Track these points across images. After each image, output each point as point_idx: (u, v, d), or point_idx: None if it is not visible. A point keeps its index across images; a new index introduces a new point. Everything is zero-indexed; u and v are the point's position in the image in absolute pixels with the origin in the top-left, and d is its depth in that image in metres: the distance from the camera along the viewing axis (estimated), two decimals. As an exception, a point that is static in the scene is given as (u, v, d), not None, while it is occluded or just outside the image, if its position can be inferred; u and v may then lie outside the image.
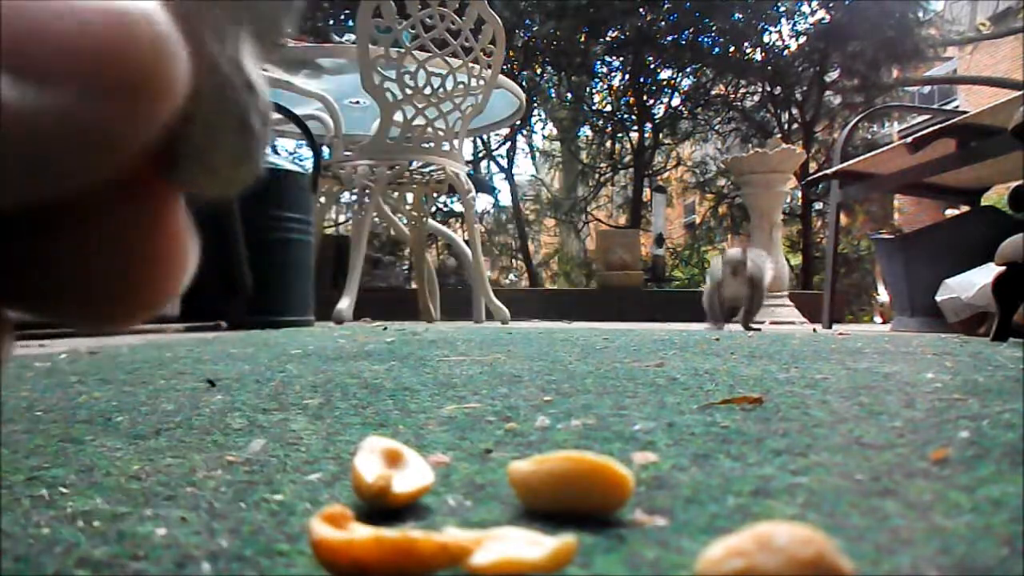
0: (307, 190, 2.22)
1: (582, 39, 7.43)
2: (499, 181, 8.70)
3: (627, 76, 7.87)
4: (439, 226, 3.64)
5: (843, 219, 7.22)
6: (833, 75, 7.78)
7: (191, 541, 0.26)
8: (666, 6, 7.43)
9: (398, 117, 2.57)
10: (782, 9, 7.64)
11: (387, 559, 0.21)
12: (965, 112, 2.66)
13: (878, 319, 6.73)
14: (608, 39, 7.62)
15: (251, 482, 0.34)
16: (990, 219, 2.45)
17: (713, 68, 7.67)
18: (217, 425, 0.49)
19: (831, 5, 7.64)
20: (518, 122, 6.25)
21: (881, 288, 6.23)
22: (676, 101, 8.10)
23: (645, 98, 7.87)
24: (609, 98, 8.25)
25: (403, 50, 2.45)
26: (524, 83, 6.89)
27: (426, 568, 0.22)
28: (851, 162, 3.00)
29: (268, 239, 2.04)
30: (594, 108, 8.40)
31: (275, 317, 2.04)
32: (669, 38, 7.43)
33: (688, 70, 7.81)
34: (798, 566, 0.18)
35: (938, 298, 2.31)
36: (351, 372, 0.80)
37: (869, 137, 7.63)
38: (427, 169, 2.80)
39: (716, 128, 8.25)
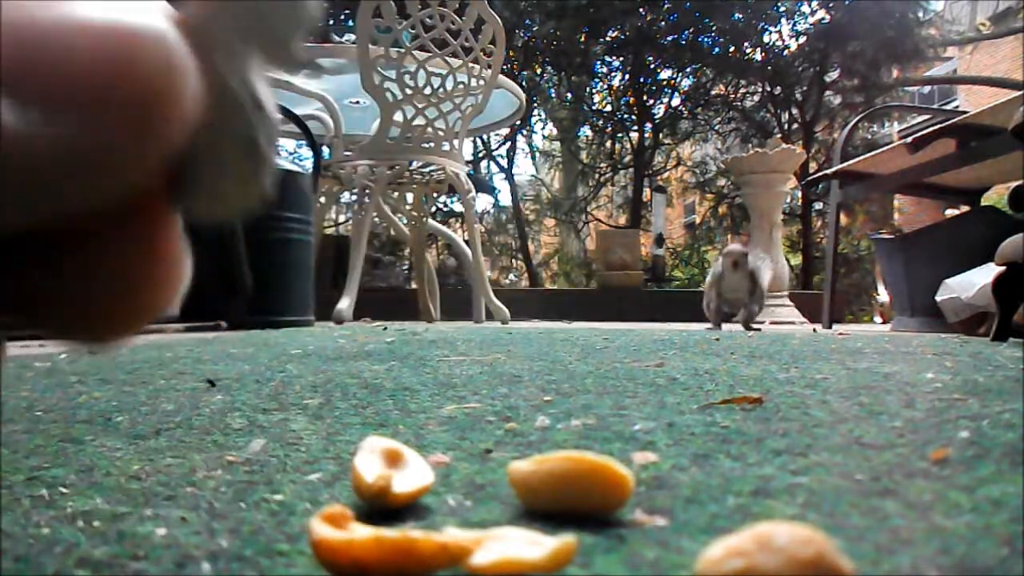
0: (307, 190, 2.22)
1: (582, 39, 7.42)
2: (499, 181, 8.71)
3: (627, 76, 7.87)
4: (439, 226, 3.64)
5: (843, 219, 7.22)
6: (833, 75, 7.78)
7: (191, 541, 0.26)
8: (666, 6, 7.42)
9: (398, 117, 2.57)
10: (782, 9, 7.64)
11: (387, 559, 0.21)
12: (965, 112, 2.66)
13: (878, 319, 6.74)
14: (608, 39, 7.62)
15: (251, 482, 0.34)
16: (990, 219, 2.45)
17: (713, 68, 7.66)
18: (217, 425, 0.49)
19: (831, 5, 7.64)
20: (518, 122, 6.25)
21: (881, 288, 6.23)
22: (676, 101, 8.11)
23: (645, 98, 7.87)
24: (609, 98, 8.25)
25: (403, 50, 2.45)
26: (524, 83, 6.89)
27: (426, 568, 0.22)
28: (851, 162, 3.00)
29: (268, 239, 2.04)
30: (594, 108, 8.40)
31: (275, 317, 2.03)
32: (669, 38, 7.43)
33: (688, 70, 7.81)
34: (798, 566, 0.18)
35: (938, 298, 2.31)
36: (351, 372, 0.80)
37: (869, 137, 7.62)
38: (427, 169, 2.80)
39: (716, 128, 8.24)
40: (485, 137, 7.77)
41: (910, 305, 2.72)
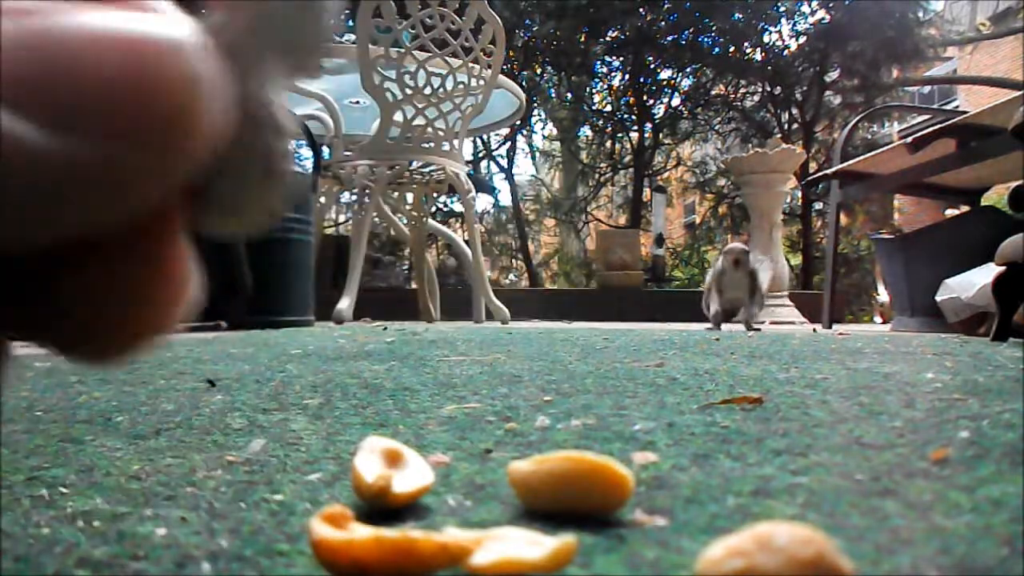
0: (307, 190, 2.22)
1: (582, 39, 7.43)
2: (499, 181, 8.72)
3: (627, 76, 7.87)
4: (439, 226, 3.64)
5: (843, 219, 7.22)
6: (833, 75, 7.79)
7: (191, 541, 0.26)
8: (666, 6, 7.43)
9: (398, 117, 2.57)
10: (782, 9, 7.64)
11: (387, 559, 0.21)
12: (965, 112, 2.66)
13: (878, 319, 6.73)
14: (608, 39, 7.62)
15: (251, 482, 0.34)
16: (990, 219, 2.45)
17: (713, 68, 7.67)
18: (217, 425, 0.49)
19: (831, 5, 7.64)
20: (518, 122, 6.25)
21: (881, 288, 6.23)
22: (676, 101, 8.12)
23: (645, 98, 7.87)
24: (609, 98, 8.25)
25: (403, 50, 2.45)
26: (524, 83, 6.89)
27: (426, 568, 0.22)
28: (851, 162, 3.00)
29: (268, 239, 2.04)
30: (594, 108, 8.40)
31: (275, 317, 2.03)
32: (669, 38, 7.43)
33: (688, 70, 7.81)
34: (798, 566, 0.18)
35: (938, 298, 2.31)
36: (351, 372, 0.80)
37: (869, 137, 7.63)
38: (427, 169, 2.80)
39: (716, 128, 8.25)
40: (485, 137, 7.78)
41: (910, 305, 2.72)
